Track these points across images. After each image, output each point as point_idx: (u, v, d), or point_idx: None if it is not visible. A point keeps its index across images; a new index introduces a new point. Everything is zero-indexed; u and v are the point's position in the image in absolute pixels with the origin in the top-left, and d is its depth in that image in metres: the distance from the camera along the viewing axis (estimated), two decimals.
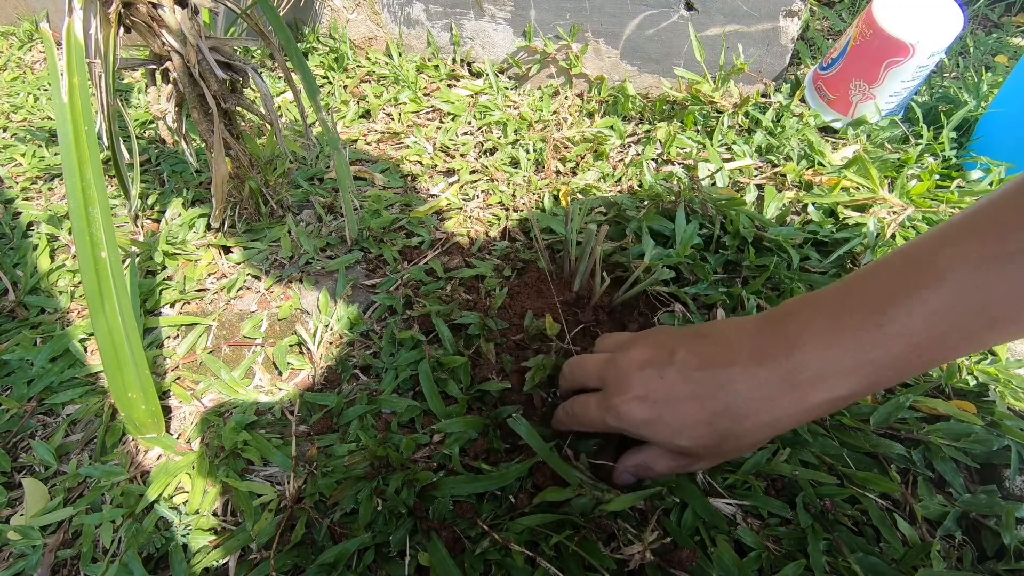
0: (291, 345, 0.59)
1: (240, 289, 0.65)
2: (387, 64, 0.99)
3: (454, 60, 0.98)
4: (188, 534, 0.46)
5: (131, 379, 0.48)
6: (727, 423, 0.34)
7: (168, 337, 0.62)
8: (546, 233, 0.65)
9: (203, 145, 0.71)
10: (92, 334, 0.62)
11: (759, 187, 0.68)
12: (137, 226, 0.75)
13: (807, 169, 0.70)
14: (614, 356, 0.40)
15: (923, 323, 0.29)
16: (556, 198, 0.71)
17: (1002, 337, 0.30)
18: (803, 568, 0.39)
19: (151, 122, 0.95)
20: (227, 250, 0.70)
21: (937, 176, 0.68)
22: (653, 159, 0.76)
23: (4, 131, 1.00)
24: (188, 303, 0.65)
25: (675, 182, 0.70)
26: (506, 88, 0.93)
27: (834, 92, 0.75)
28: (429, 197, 0.75)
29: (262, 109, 0.60)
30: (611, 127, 0.81)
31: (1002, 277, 0.28)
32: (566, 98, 0.89)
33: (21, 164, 0.90)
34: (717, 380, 0.34)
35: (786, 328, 0.34)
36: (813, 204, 0.65)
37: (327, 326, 0.59)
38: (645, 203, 0.67)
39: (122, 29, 0.50)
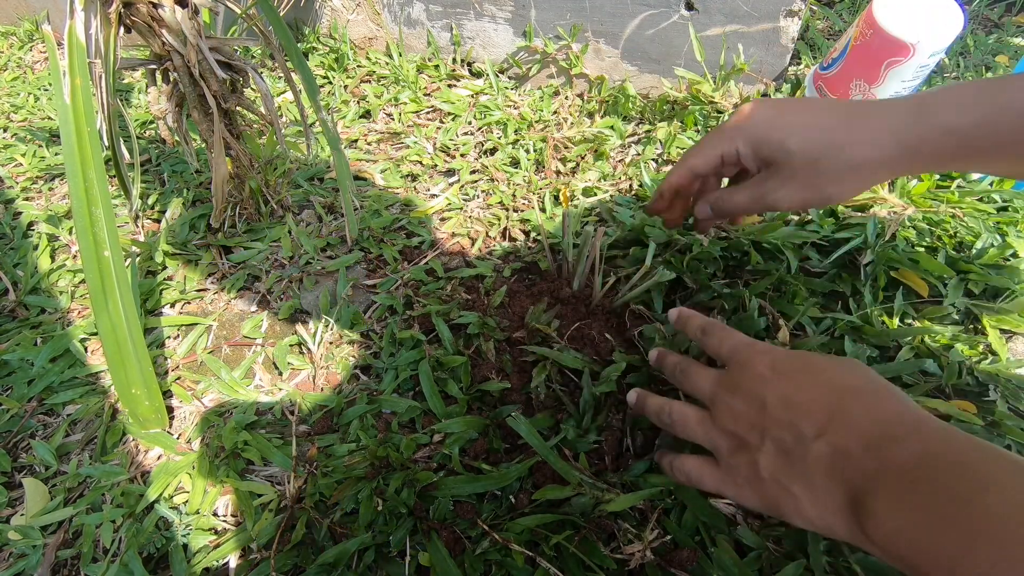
0: (291, 345, 0.59)
1: (240, 289, 0.65)
2: (387, 64, 0.99)
3: (454, 60, 0.98)
4: (188, 534, 0.46)
5: (135, 375, 0.48)
6: (843, 131, 0.36)
7: (168, 337, 0.62)
8: (547, 235, 0.65)
9: (203, 145, 0.71)
10: (93, 334, 0.62)
11: None
12: (137, 226, 0.75)
13: None
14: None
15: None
16: (556, 198, 0.71)
17: None
18: (803, 568, 0.39)
19: (151, 122, 0.95)
20: (227, 250, 0.70)
21: (937, 176, 0.68)
22: (653, 159, 0.76)
23: (5, 131, 1.00)
24: (188, 303, 0.65)
25: None
26: (506, 88, 0.93)
27: (834, 92, 0.75)
28: (429, 197, 0.75)
29: (262, 109, 0.60)
30: (611, 127, 0.81)
31: None
32: (566, 98, 0.89)
33: (21, 164, 0.90)
34: (854, 104, 0.37)
35: (909, 99, 0.36)
36: None
37: (327, 326, 0.59)
38: (645, 203, 0.67)
39: (122, 29, 0.50)
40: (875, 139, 0.35)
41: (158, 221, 0.76)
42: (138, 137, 0.92)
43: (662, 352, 0.45)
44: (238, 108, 0.60)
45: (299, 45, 1.05)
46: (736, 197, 0.41)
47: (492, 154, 0.81)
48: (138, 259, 0.67)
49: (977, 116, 0.33)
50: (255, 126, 0.77)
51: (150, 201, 0.77)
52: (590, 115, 0.86)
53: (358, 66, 1.01)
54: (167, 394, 0.56)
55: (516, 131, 0.83)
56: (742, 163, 0.41)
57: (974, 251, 0.57)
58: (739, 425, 0.34)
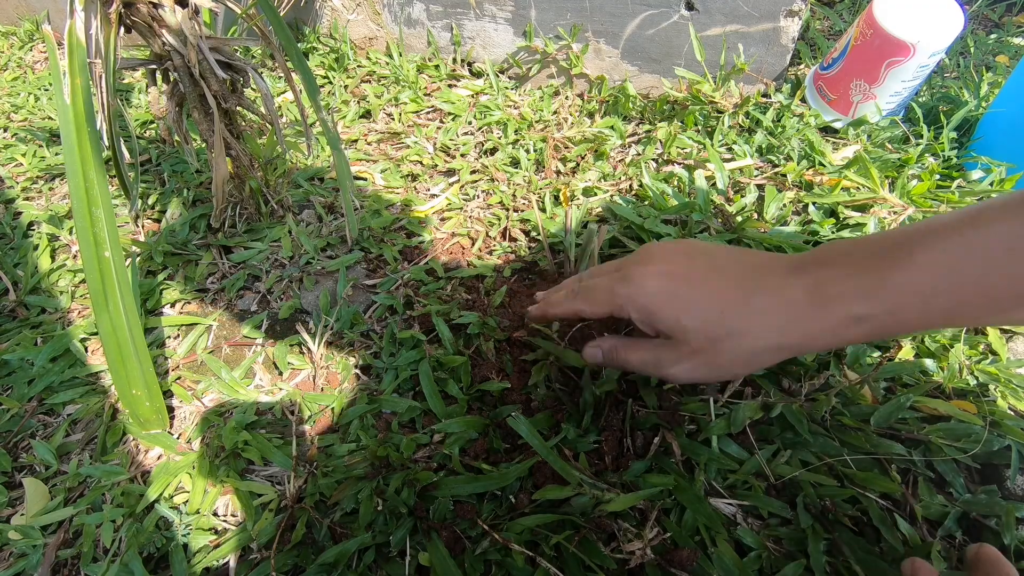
0: (291, 345, 0.59)
1: (240, 289, 0.65)
2: (387, 64, 0.99)
3: (454, 60, 0.98)
4: (188, 534, 0.46)
5: (135, 376, 0.48)
6: (742, 316, 0.34)
7: (169, 337, 0.62)
8: (547, 235, 0.65)
9: (203, 145, 0.71)
10: (93, 334, 0.62)
11: (759, 187, 0.68)
12: (138, 226, 0.75)
13: (808, 169, 0.70)
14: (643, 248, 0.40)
15: (957, 260, 0.28)
16: (556, 198, 0.71)
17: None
18: (803, 568, 0.39)
19: (152, 122, 0.95)
20: (227, 250, 0.70)
21: (938, 176, 0.67)
22: (653, 159, 0.76)
23: (5, 131, 1.00)
24: (188, 303, 0.65)
25: (675, 183, 0.70)
26: (506, 88, 0.93)
27: (835, 92, 0.75)
28: (429, 197, 0.75)
29: (262, 109, 0.60)
30: (611, 127, 0.81)
31: None
32: (566, 98, 0.89)
33: (22, 164, 0.90)
34: (748, 271, 0.35)
35: (817, 253, 0.34)
36: (814, 204, 0.65)
37: (327, 326, 0.59)
38: (646, 203, 0.67)
39: (122, 29, 0.50)
40: (776, 326, 0.33)
41: (158, 221, 0.76)
42: (138, 137, 0.92)
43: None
44: (238, 108, 0.60)
45: (299, 45, 1.05)
46: (631, 357, 0.40)
47: (492, 154, 0.81)
48: (138, 259, 0.67)
49: (885, 304, 0.31)
50: (255, 126, 0.77)
51: (150, 201, 0.77)
52: (590, 115, 0.86)
53: (358, 66, 1.01)
54: (167, 394, 0.56)
55: (516, 131, 0.83)
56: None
57: None
58: None
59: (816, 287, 0.32)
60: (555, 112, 0.87)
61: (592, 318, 0.42)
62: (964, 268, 0.28)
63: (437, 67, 0.97)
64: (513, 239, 0.67)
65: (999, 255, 0.27)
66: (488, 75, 0.93)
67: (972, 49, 0.92)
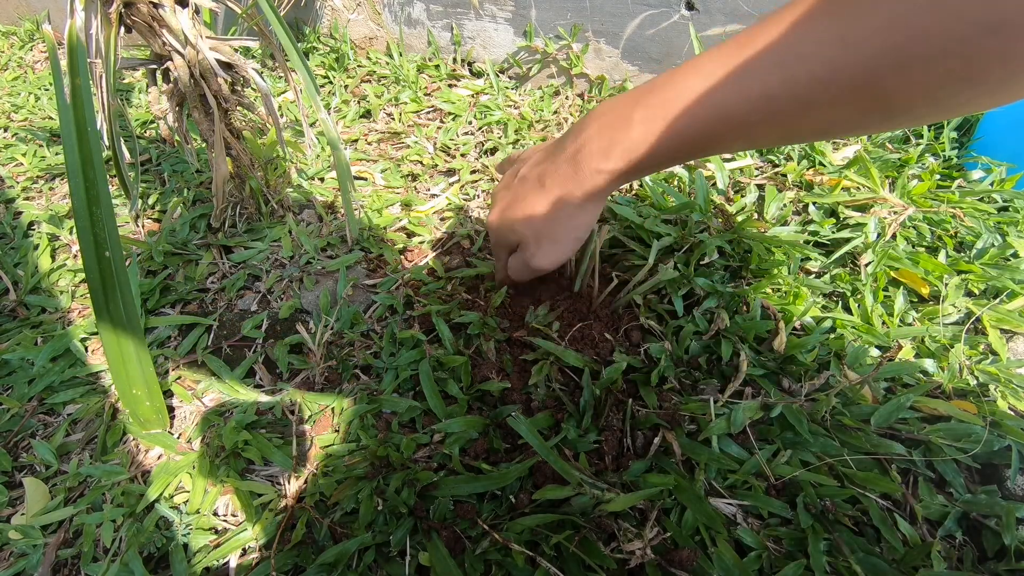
0: (291, 345, 0.59)
1: (241, 289, 0.65)
2: (388, 64, 0.99)
3: (455, 60, 0.98)
4: (189, 534, 0.46)
5: (135, 375, 0.48)
6: (547, 205, 0.45)
7: (169, 337, 0.62)
8: None
9: (204, 145, 0.71)
10: (93, 333, 0.62)
11: (760, 187, 0.68)
12: (138, 226, 0.75)
13: (808, 169, 0.70)
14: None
15: (662, 112, 0.36)
16: None
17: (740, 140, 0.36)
18: (803, 568, 0.39)
19: (152, 122, 0.95)
20: (228, 250, 0.70)
21: (938, 176, 0.68)
22: None
23: (5, 131, 1.00)
24: (189, 303, 0.65)
25: (675, 183, 0.70)
26: (507, 88, 0.93)
27: None
28: (430, 197, 0.75)
29: (263, 109, 0.60)
30: None
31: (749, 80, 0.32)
32: (567, 98, 0.89)
33: (22, 164, 0.90)
34: (545, 172, 0.45)
35: (578, 125, 0.44)
36: (814, 204, 0.65)
37: (327, 326, 0.59)
38: (646, 203, 0.67)
39: (123, 29, 0.50)
40: (561, 196, 0.44)
41: (158, 221, 0.76)
42: (138, 137, 0.92)
43: None
44: (238, 108, 0.60)
45: (299, 45, 1.05)
46: (512, 268, 0.52)
47: (492, 154, 0.81)
48: (138, 259, 0.67)
49: (622, 159, 0.40)
50: (255, 126, 0.77)
51: (150, 201, 0.77)
52: None
53: (358, 66, 1.01)
54: (167, 394, 0.56)
55: (516, 131, 0.83)
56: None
57: (974, 251, 0.57)
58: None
59: (573, 157, 0.43)
60: (555, 112, 0.87)
61: (500, 263, 0.55)
62: (668, 124, 0.37)
63: (437, 67, 0.97)
64: None
65: (693, 109, 0.35)
66: (488, 75, 0.93)
67: None
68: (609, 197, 0.70)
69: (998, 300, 0.54)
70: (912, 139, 0.72)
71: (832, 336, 0.53)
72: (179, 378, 0.57)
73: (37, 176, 0.87)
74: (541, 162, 0.46)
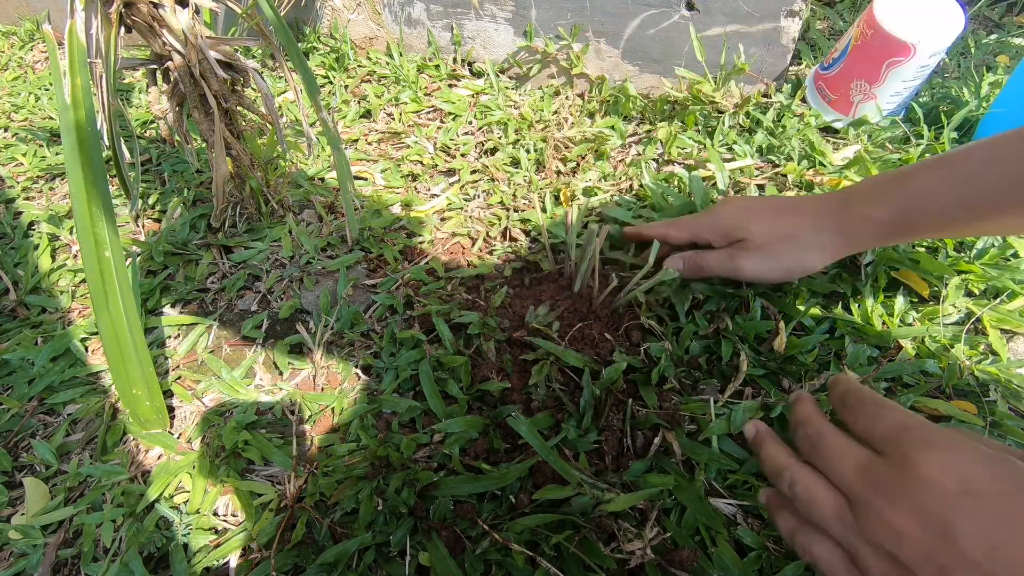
0: (291, 345, 0.59)
1: (241, 289, 0.65)
2: (388, 64, 0.99)
3: (455, 60, 0.98)
4: (189, 534, 0.46)
5: (136, 376, 0.48)
6: (793, 224, 0.47)
7: (169, 337, 0.62)
8: (549, 235, 0.65)
9: (204, 145, 0.71)
10: (93, 333, 0.62)
11: (760, 187, 0.68)
12: (138, 225, 0.75)
13: (808, 169, 0.70)
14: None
15: (944, 175, 0.42)
16: (557, 198, 0.71)
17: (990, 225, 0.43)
18: (803, 568, 0.39)
19: (152, 122, 0.95)
20: (228, 250, 0.70)
21: None
22: (654, 159, 0.76)
23: (5, 131, 1.00)
24: (189, 303, 0.65)
25: (676, 183, 0.70)
26: (507, 88, 0.93)
27: (835, 92, 0.75)
28: (430, 197, 0.75)
29: (263, 109, 0.60)
30: (612, 127, 0.81)
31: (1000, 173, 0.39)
32: (567, 98, 0.89)
33: (22, 164, 0.90)
34: (801, 200, 0.50)
35: (847, 186, 0.49)
36: None
37: (327, 326, 0.59)
38: (646, 203, 0.67)
39: (123, 29, 0.50)
40: (815, 226, 0.47)
41: (158, 221, 0.76)
42: (139, 137, 0.92)
43: (760, 429, 0.39)
44: (238, 108, 0.60)
45: (299, 45, 1.05)
46: (709, 259, 0.51)
47: (492, 154, 0.81)
48: (138, 259, 0.67)
49: (893, 208, 0.44)
50: (255, 126, 0.77)
51: (151, 201, 0.77)
52: (591, 115, 0.86)
53: (359, 66, 1.01)
54: (167, 394, 0.56)
55: (517, 131, 0.83)
56: (711, 245, 0.52)
57: (974, 251, 0.57)
58: (903, 549, 0.26)
59: (844, 198, 0.46)
60: (555, 112, 0.87)
61: (676, 242, 0.54)
62: (949, 180, 0.41)
63: (437, 67, 0.97)
64: (513, 239, 0.67)
65: (977, 171, 0.40)
66: (488, 75, 0.93)
67: (973, 49, 0.92)
68: (610, 197, 0.70)
69: (998, 300, 0.54)
70: (912, 139, 0.72)
71: (832, 336, 0.53)
72: (179, 378, 0.57)
73: (37, 176, 0.87)
74: (802, 198, 0.51)
